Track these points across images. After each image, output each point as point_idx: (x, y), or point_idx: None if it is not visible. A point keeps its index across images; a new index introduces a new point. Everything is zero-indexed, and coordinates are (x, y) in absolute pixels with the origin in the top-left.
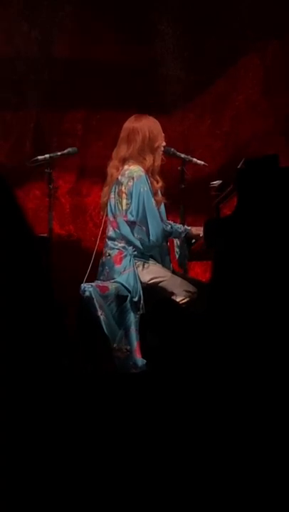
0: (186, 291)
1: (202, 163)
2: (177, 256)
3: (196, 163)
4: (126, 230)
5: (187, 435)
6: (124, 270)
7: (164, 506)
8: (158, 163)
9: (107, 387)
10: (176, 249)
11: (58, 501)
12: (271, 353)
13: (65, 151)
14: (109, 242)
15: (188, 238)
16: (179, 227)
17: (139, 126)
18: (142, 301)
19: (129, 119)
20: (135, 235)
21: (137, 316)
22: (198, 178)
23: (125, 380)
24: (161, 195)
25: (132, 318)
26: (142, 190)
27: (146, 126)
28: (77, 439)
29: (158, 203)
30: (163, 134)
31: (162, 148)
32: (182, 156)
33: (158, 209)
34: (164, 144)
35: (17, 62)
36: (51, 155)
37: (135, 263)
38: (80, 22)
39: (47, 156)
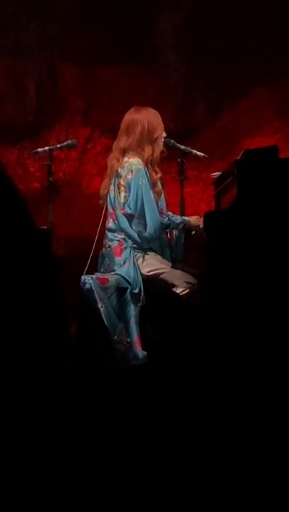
0: (187, 282)
1: (202, 154)
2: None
3: (195, 155)
4: (124, 223)
5: (187, 426)
6: (124, 263)
7: (165, 498)
8: (157, 154)
9: (108, 381)
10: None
11: (59, 498)
12: (270, 344)
13: (64, 144)
14: (109, 234)
15: (187, 229)
16: (177, 218)
17: (139, 118)
18: (142, 293)
19: (129, 111)
20: (133, 228)
21: (138, 308)
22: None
23: (126, 373)
24: (161, 186)
25: (132, 310)
26: (140, 183)
27: (145, 117)
28: (76, 438)
29: (157, 194)
30: (163, 126)
31: (162, 140)
32: (182, 147)
33: (157, 200)
34: (164, 135)
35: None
36: (51, 147)
37: (135, 255)
38: (80, 21)
39: (46, 148)
